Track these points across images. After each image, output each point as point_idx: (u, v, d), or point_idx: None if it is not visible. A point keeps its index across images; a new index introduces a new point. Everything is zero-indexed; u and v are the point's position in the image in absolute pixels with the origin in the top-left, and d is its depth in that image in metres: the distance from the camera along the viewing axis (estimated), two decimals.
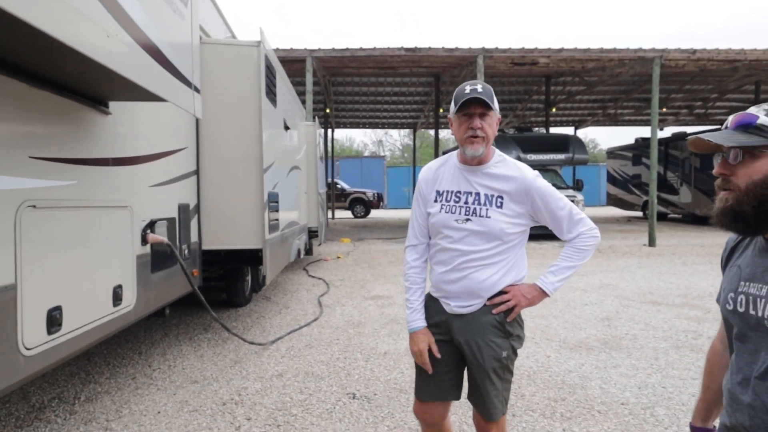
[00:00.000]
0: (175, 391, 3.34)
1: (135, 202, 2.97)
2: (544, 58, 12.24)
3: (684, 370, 3.66)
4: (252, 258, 4.73)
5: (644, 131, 21.57)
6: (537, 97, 18.05)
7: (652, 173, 11.77)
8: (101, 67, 1.77)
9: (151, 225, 3.15)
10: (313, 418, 2.94)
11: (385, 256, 9.85)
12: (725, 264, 1.23)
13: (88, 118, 2.48)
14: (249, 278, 5.77)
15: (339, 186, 22.80)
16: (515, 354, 1.87)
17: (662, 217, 18.06)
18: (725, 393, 1.12)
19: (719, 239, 12.25)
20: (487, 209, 1.77)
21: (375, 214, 24.13)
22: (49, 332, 2.09)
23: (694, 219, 17.18)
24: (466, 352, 1.84)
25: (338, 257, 9.80)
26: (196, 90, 2.72)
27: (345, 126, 24.22)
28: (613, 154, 22.18)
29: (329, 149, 20.64)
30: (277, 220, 4.97)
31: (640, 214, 19.78)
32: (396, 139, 47.27)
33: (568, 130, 21.38)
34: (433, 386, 1.90)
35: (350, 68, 13.58)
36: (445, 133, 34.67)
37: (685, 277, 7.53)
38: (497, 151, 1.87)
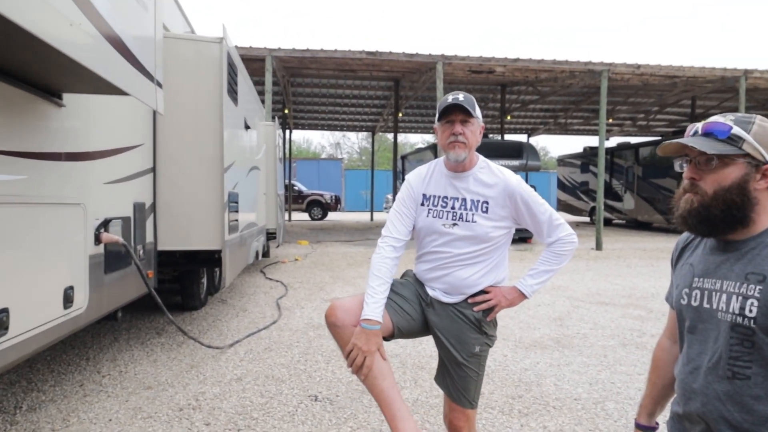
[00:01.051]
0: (127, 397, 3.20)
1: (88, 199, 2.83)
2: (501, 66, 12.61)
3: (630, 366, 3.87)
4: (209, 259, 4.61)
5: (592, 140, 22.61)
6: (493, 105, 18.56)
7: (600, 180, 12.36)
8: (59, 57, 1.69)
9: (105, 224, 3.02)
10: (274, 421, 2.90)
11: (344, 259, 9.83)
12: (676, 263, 1.31)
13: (41, 109, 2.35)
14: (205, 280, 5.62)
15: (296, 188, 22.55)
16: (487, 351, 1.96)
17: (608, 223, 19.00)
18: (678, 383, 1.20)
19: (660, 243, 13.01)
20: (473, 214, 1.85)
21: (332, 216, 23.99)
22: None
23: (637, 224, 18.19)
24: (438, 337, 1.92)
25: (296, 259, 9.69)
26: (159, 85, 2.63)
27: (303, 127, 23.98)
28: (563, 161, 23.09)
29: (287, 150, 20.38)
30: (236, 220, 4.87)
31: (587, 219, 20.68)
32: (354, 142, 47.25)
33: (522, 138, 22.12)
34: (400, 312, 1.89)
35: (310, 69, 13.48)
36: (402, 137, 34.98)
37: (629, 278, 7.94)
38: (481, 157, 1.95)
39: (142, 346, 4.27)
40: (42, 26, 1.48)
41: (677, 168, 1.18)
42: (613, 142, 20.70)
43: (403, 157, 19.37)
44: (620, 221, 19.61)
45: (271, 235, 8.49)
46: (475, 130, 1.86)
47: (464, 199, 1.88)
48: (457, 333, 1.89)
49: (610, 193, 18.45)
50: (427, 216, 1.92)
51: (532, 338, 4.60)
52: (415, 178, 1.99)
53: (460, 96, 1.82)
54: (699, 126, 1.16)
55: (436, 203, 1.91)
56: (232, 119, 4.51)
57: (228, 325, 5.02)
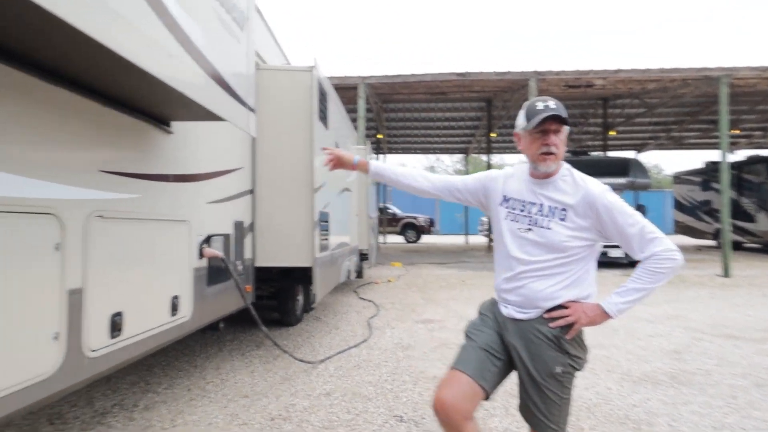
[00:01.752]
0: (226, 404, 3.40)
1: (193, 217, 3.11)
2: (600, 79, 11.92)
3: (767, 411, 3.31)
4: (303, 277, 4.81)
5: (713, 155, 20.36)
6: (594, 121, 17.52)
7: (724, 198, 11.01)
8: (163, 87, 1.90)
9: (207, 239, 3.29)
10: None
11: (437, 281, 9.72)
12: None
13: (153, 136, 2.66)
14: (300, 298, 5.85)
15: (390, 210, 22.93)
16: (572, 373, 1.78)
17: (738, 246, 16.75)
18: None
19: None
20: (549, 220, 1.77)
21: (426, 239, 23.98)
22: (112, 336, 2.20)
23: None
24: (515, 358, 1.79)
25: (389, 280, 9.78)
26: (251, 110, 2.85)
27: (397, 151, 24.49)
28: (679, 179, 20.98)
29: None
30: (327, 239, 5.05)
31: (712, 242, 18.46)
32: (447, 164, 47.18)
33: (630, 155, 20.52)
34: (472, 362, 1.80)
35: (402, 94, 13.81)
36: (497, 158, 34.21)
37: (765, 310, 6.89)
38: (565, 164, 1.86)
39: (242, 357, 4.54)
40: (145, 58, 1.68)
41: None
42: (741, 155, 18.42)
43: None
44: (753, 245, 17.21)
45: (363, 257, 8.68)
46: (565, 139, 1.80)
47: (542, 205, 1.80)
48: (534, 351, 1.76)
49: (740, 212, 16.32)
50: (505, 219, 1.88)
51: (643, 371, 4.13)
52: (502, 175, 1.97)
53: (551, 103, 1.74)
54: None
55: (514, 207, 1.86)
56: (322, 142, 4.74)
57: (321, 341, 5.16)
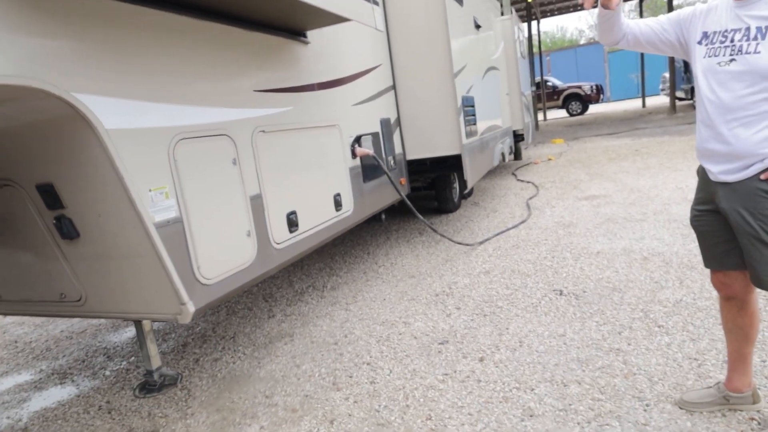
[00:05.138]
0: (396, 283, 3.85)
1: (341, 120, 3.35)
2: None
3: None
4: (455, 164, 4.88)
5: None
6: None
7: None
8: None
9: (357, 140, 3.53)
10: (518, 310, 3.05)
11: (604, 153, 8.91)
12: None
13: (293, 50, 2.85)
14: (456, 185, 6.00)
15: (550, 83, 20.97)
16: None
17: None
18: None
19: None
20: (757, 44, 1.49)
21: (594, 109, 21.64)
22: (290, 231, 2.64)
23: None
24: (730, 221, 1.63)
25: (549, 159, 9.29)
26: (375, 2, 2.82)
27: (553, 13, 21.65)
28: None
29: (535, 43, 18.92)
30: (474, 124, 4.96)
31: None
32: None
33: None
34: (714, 257, 1.76)
35: None
36: None
37: None
38: None
39: (407, 244, 4.97)
40: None
41: None
42: None
43: None
44: None
45: (519, 137, 8.32)
46: None
47: (748, 28, 1.51)
48: (752, 207, 1.54)
49: None
50: (704, 56, 1.61)
51: None
52: (704, 9, 1.69)
53: None
54: None
55: (714, 40, 1.59)
56: (458, 22, 4.47)
57: (479, 224, 5.32)
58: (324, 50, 3.21)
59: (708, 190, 1.70)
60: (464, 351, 2.63)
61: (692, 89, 16.16)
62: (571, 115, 20.56)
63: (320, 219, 2.97)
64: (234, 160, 2.25)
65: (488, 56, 6.11)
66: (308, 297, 3.81)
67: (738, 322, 1.79)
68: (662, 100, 19.72)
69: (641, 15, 21.35)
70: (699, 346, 2.36)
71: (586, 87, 20.52)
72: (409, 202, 4.10)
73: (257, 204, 2.40)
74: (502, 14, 8.41)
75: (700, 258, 1.88)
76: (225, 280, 2.13)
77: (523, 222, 5.11)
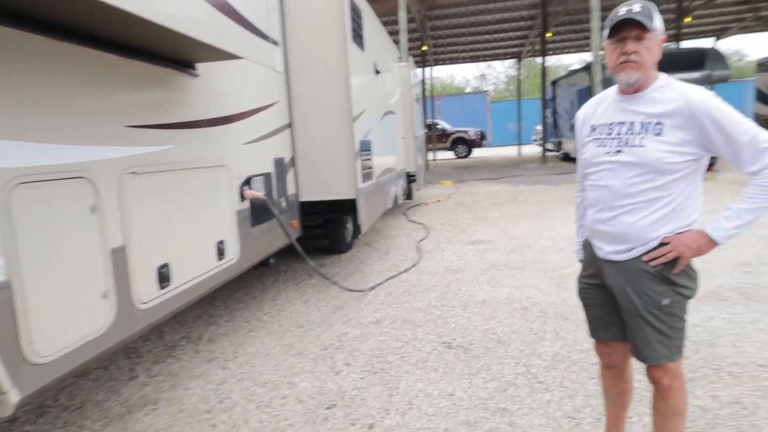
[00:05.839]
0: (282, 335, 3.59)
1: (230, 160, 3.09)
2: None
3: None
4: (350, 207, 4.80)
5: None
6: (666, 7, 15.55)
7: None
8: (168, 30, 1.77)
9: (247, 181, 3.28)
10: (408, 366, 2.98)
11: (487, 198, 9.52)
12: None
13: (178, 82, 2.57)
14: (350, 225, 5.92)
15: (439, 126, 22.29)
16: (683, 303, 1.65)
17: None
18: None
19: None
20: (641, 137, 1.57)
21: (478, 153, 23.35)
22: (161, 287, 2.30)
23: None
24: (616, 297, 1.69)
25: (439, 200, 9.69)
26: (275, 43, 2.67)
27: (444, 62, 23.26)
28: (765, 65, 18.63)
29: (428, 89, 20.04)
30: (370, 168, 4.95)
31: None
32: (500, 71, 44.58)
33: (706, 43, 18.32)
34: (599, 328, 1.85)
35: None
36: (554, 59, 31.73)
37: None
38: (662, 75, 1.63)
39: (296, 287, 4.73)
40: (150, 6, 1.54)
41: None
42: None
43: (554, 83, 17.62)
44: None
45: (411, 178, 8.56)
46: (652, 46, 1.56)
47: (632, 123, 1.60)
48: (636, 286, 1.62)
49: None
50: (595, 147, 1.69)
51: (707, 288, 3.91)
52: (584, 110, 1.82)
53: (636, 6, 1.52)
54: None
55: (602, 132, 1.68)
56: (359, 66, 4.48)
57: (371, 267, 5.26)
58: (215, 84, 2.96)
59: (596, 266, 1.78)
60: (353, 417, 2.47)
61: (560, 143, 18.26)
62: (458, 157, 21.96)
63: (199, 270, 2.65)
64: (92, 207, 1.90)
65: (386, 100, 6.23)
66: (180, 352, 3.39)
67: (618, 387, 1.92)
68: (535, 149, 21.99)
69: (519, 72, 23.77)
70: (575, 403, 2.46)
71: (472, 132, 22.17)
72: (299, 248, 3.91)
73: (119, 258, 2.06)
74: (400, 60, 8.74)
75: (573, 309, 1.98)
76: (70, 354, 1.75)
77: (414, 266, 5.16)
